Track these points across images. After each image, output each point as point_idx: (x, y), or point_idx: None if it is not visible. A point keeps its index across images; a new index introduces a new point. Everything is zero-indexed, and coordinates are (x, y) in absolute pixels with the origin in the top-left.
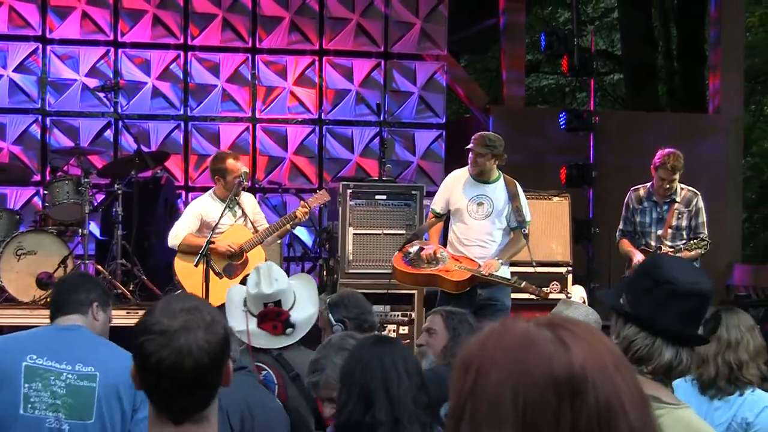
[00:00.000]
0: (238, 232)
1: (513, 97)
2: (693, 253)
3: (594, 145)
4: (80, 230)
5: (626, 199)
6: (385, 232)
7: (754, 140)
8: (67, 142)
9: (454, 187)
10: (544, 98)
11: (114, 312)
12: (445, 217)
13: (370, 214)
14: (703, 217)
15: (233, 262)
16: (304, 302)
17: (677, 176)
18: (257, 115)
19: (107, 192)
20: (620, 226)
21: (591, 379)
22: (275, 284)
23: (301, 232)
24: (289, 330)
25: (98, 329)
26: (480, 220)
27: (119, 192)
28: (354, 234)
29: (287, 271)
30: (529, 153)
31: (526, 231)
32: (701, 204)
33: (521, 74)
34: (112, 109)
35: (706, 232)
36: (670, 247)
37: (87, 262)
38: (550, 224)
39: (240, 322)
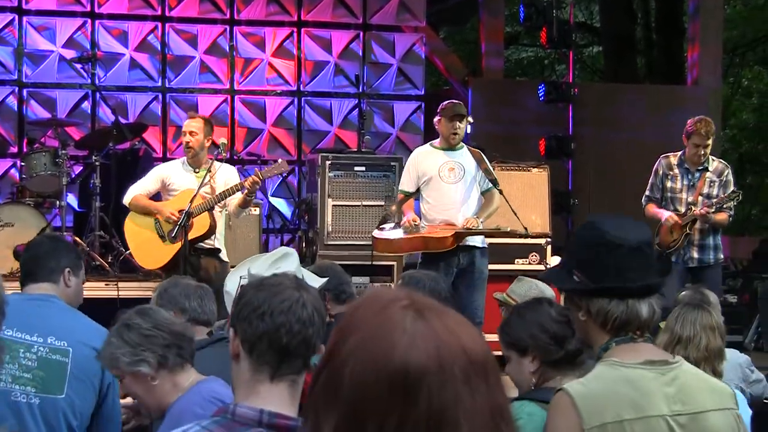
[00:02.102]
0: (187, 195)
1: (492, 69)
2: (723, 215)
3: (573, 117)
4: (58, 202)
5: (655, 166)
6: (364, 203)
7: (732, 112)
8: (44, 114)
9: (421, 162)
10: (524, 70)
11: (92, 283)
12: (415, 196)
13: (349, 185)
14: (731, 188)
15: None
16: None
17: (710, 141)
18: (236, 87)
19: (85, 164)
20: (647, 192)
21: (427, 382)
22: (270, 270)
23: (280, 204)
24: None
25: (71, 295)
26: (453, 184)
27: (97, 164)
28: (333, 205)
29: (266, 243)
30: (508, 125)
31: (500, 188)
32: (731, 177)
33: (500, 46)
34: (89, 81)
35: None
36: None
37: (65, 233)
38: (530, 196)
39: (233, 287)
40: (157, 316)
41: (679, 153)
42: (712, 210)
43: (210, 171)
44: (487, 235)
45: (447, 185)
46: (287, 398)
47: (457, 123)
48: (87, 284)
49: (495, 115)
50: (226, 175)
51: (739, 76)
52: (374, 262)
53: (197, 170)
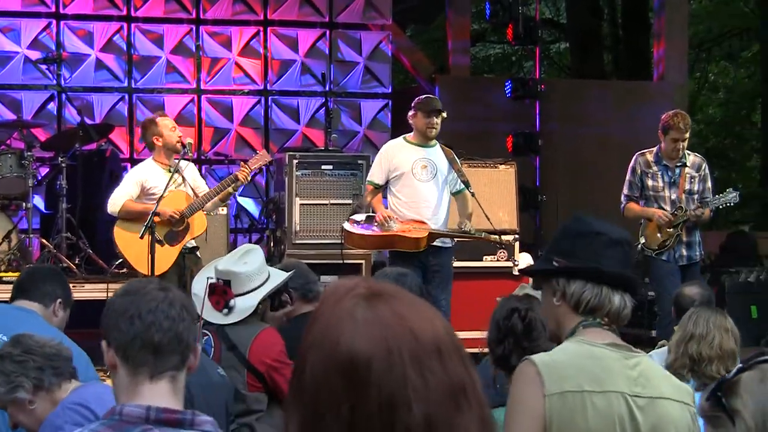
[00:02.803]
0: (178, 197)
1: (458, 66)
2: (708, 212)
3: (540, 113)
4: (24, 204)
5: (632, 164)
6: (332, 202)
7: (699, 107)
8: (9, 115)
9: (394, 155)
10: (491, 68)
11: None
12: (383, 189)
13: (317, 184)
14: (710, 182)
15: (175, 229)
16: (259, 294)
17: (688, 135)
18: (202, 87)
19: (51, 165)
20: (625, 192)
21: (375, 368)
22: (237, 265)
23: (248, 203)
24: (225, 311)
25: (55, 324)
26: (426, 182)
27: (63, 165)
28: (301, 204)
29: (234, 243)
30: (475, 122)
31: (472, 190)
32: (709, 170)
33: (467, 43)
34: (55, 82)
35: (710, 196)
36: (685, 210)
37: (32, 236)
38: (497, 193)
39: (202, 288)
40: (28, 342)
41: (654, 149)
42: (709, 212)
43: (179, 170)
44: (461, 239)
45: (419, 183)
46: (170, 393)
47: (434, 118)
48: None
49: (462, 112)
50: (192, 171)
51: (706, 72)
52: (343, 261)
53: (170, 169)
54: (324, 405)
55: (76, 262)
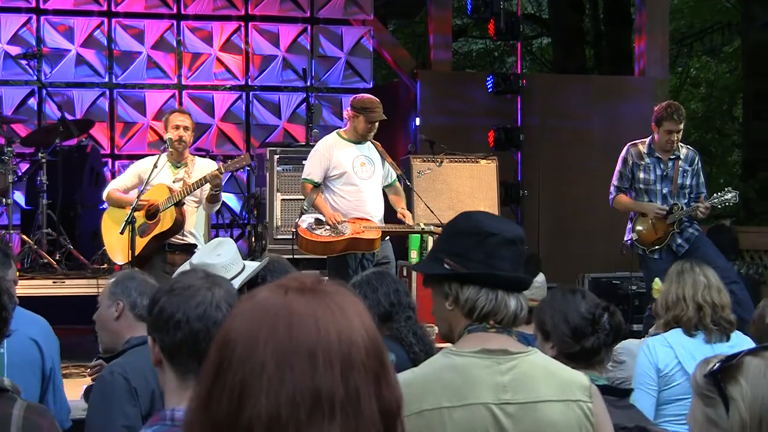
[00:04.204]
0: (160, 190)
1: (440, 61)
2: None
3: (521, 108)
4: (4, 200)
5: (623, 154)
6: None
7: (680, 102)
8: None
9: (332, 154)
10: (473, 63)
11: (40, 282)
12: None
13: (298, 179)
14: (702, 176)
15: (148, 222)
16: (235, 284)
17: (683, 126)
18: (183, 82)
19: (31, 161)
20: (614, 182)
21: (237, 352)
22: (211, 257)
23: (229, 199)
24: None
25: None
26: (367, 180)
27: (44, 161)
28: (282, 200)
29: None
30: (457, 117)
31: (409, 183)
32: (701, 164)
33: (448, 38)
34: (35, 77)
35: (705, 191)
36: (681, 208)
37: (12, 231)
38: (478, 187)
39: None
40: None
41: (647, 140)
42: (707, 209)
43: (187, 166)
44: (414, 233)
45: (361, 180)
46: None
47: (376, 124)
48: (35, 282)
49: (444, 108)
50: (203, 170)
51: (687, 66)
52: (326, 256)
53: (179, 165)
54: (203, 375)
55: (57, 258)
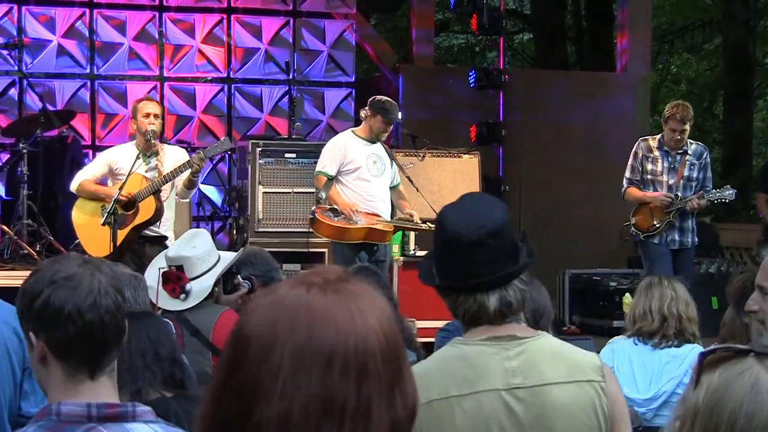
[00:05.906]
0: (135, 180)
1: (422, 55)
2: (704, 201)
3: (503, 104)
4: None
5: (634, 148)
6: (295, 190)
7: (661, 99)
8: None
9: (347, 149)
10: (455, 58)
11: (20, 273)
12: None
13: (280, 172)
14: (710, 171)
15: (126, 213)
16: (213, 275)
17: (687, 126)
18: (165, 74)
19: (12, 151)
20: (627, 175)
21: (252, 351)
22: (186, 250)
23: (211, 191)
24: (182, 296)
25: None
26: (378, 177)
27: (24, 151)
28: (263, 192)
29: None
30: (439, 111)
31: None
32: (709, 159)
33: (430, 33)
34: (16, 68)
35: (710, 186)
36: (681, 198)
37: None
38: (460, 182)
39: (154, 278)
40: None
41: (658, 136)
42: (704, 203)
43: (158, 155)
44: (421, 230)
45: (373, 177)
46: (110, 388)
47: (391, 126)
48: (15, 273)
49: (425, 102)
50: (175, 157)
51: (668, 63)
52: (305, 249)
53: (148, 154)
54: (217, 370)
55: (37, 249)
